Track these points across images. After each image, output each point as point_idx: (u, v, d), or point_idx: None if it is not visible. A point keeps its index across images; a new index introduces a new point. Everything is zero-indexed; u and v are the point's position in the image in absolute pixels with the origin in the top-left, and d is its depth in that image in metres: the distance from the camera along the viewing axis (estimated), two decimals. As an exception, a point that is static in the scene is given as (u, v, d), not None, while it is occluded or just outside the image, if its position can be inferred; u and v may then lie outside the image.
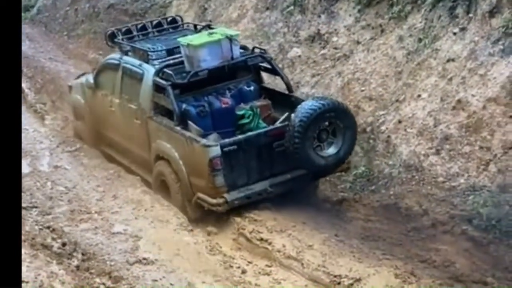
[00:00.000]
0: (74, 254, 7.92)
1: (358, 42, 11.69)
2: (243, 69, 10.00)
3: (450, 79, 9.81)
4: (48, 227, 8.42)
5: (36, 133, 11.89)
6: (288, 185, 9.09)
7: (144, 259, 7.80)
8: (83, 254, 7.92)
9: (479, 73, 9.46)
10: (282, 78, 10.07)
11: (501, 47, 9.36)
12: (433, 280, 7.38)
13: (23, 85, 15.02)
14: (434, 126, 9.60)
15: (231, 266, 7.81)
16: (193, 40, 9.49)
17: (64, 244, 8.09)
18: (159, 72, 9.63)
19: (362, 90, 10.96)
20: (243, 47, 10.09)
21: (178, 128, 9.22)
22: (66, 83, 15.21)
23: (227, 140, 8.94)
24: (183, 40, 9.53)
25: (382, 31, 11.42)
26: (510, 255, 7.68)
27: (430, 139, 9.55)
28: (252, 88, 9.93)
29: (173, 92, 9.30)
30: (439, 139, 9.43)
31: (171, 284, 7.32)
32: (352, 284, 7.42)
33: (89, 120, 11.62)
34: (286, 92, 9.94)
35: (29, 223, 8.32)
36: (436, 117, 9.65)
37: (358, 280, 7.45)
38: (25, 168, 10.17)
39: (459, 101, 9.47)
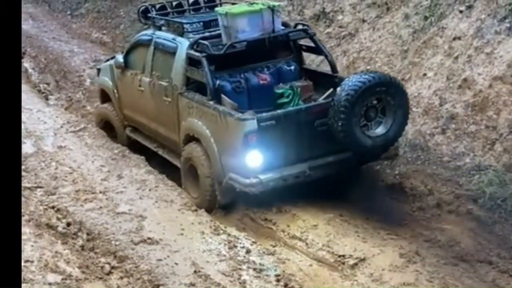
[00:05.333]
0: (79, 234, 7.96)
1: (364, 21, 11.60)
2: (283, 48, 9.38)
3: (456, 57, 9.73)
4: (53, 207, 8.44)
5: (40, 113, 11.85)
6: (329, 169, 8.38)
7: (149, 238, 7.80)
8: (88, 234, 7.94)
9: (485, 51, 9.38)
10: (326, 56, 9.40)
11: (508, 25, 9.27)
12: (437, 260, 7.39)
13: (27, 64, 15.04)
14: (439, 105, 9.54)
15: (236, 246, 7.80)
16: (232, 9, 8.95)
17: (69, 224, 8.12)
18: (193, 45, 9.02)
19: (368, 69, 10.89)
20: (284, 24, 9.42)
21: (211, 102, 8.57)
22: (69, 62, 15.24)
23: (264, 115, 8.20)
24: (221, 10, 8.99)
25: (388, 9, 11.32)
26: (515, 234, 7.67)
27: (435, 118, 9.49)
28: (292, 67, 9.27)
29: (208, 64, 8.67)
30: (444, 118, 9.37)
31: (176, 264, 7.34)
32: (356, 264, 7.43)
33: (116, 103, 11.14)
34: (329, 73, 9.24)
35: (34, 203, 8.34)
36: (442, 96, 9.59)
37: (363, 259, 7.46)
38: (29, 149, 10.17)
39: (465, 80, 9.40)
